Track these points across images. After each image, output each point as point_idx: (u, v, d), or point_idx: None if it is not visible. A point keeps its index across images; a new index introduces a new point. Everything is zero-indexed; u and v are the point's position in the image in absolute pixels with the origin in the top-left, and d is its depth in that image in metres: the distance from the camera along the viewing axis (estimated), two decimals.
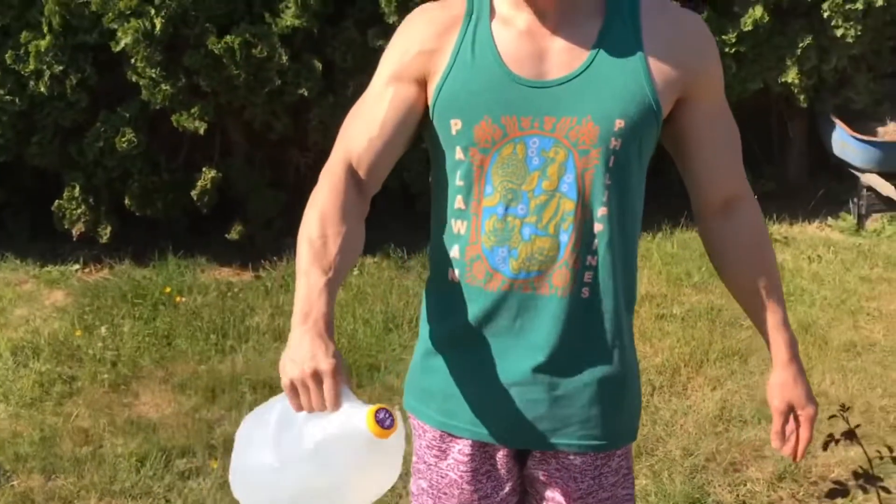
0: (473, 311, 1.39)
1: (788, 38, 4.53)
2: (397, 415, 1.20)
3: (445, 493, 1.48)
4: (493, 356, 1.40)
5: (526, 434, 1.42)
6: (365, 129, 1.38)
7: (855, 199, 4.97)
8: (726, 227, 1.46)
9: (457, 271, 1.40)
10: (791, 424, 1.47)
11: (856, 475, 2.00)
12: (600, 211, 1.33)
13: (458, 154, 1.36)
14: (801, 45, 4.49)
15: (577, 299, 1.36)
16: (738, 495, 2.72)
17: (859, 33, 4.46)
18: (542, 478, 1.47)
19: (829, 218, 5.03)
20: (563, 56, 1.33)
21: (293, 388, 1.21)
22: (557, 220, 1.33)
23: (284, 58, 4.04)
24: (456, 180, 1.38)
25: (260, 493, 1.27)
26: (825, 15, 4.46)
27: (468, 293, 1.39)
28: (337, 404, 1.19)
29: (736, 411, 3.16)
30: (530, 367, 1.39)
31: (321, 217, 1.33)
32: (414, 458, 1.53)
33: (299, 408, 1.21)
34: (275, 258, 4.42)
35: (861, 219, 4.96)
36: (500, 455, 1.46)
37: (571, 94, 1.31)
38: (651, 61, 1.33)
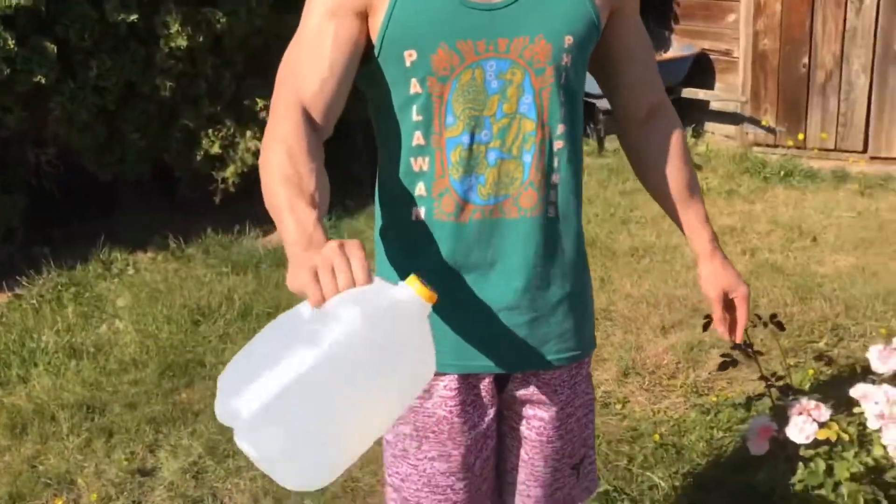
0: (446, 246, 1.36)
1: None
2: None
3: (434, 432, 1.44)
4: (470, 287, 1.38)
5: (510, 359, 1.43)
6: (314, 70, 1.30)
7: (592, 125, 5.42)
8: (651, 135, 1.51)
9: (422, 209, 1.36)
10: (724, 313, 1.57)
11: (734, 347, 2.18)
12: (559, 128, 1.34)
13: (414, 87, 1.31)
14: None
15: (545, 219, 1.37)
16: (596, 398, 2.88)
17: None
18: (522, 397, 1.48)
19: None
20: None
21: (314, 278, 1.05)
22: (520, 141, 1.33)
23: (11, 42, 3.55)
24: (412, 115, 1.33)
25: (292, 421, 1.01)
26: None
27: (438, 229, 1.36)
28: (369, 275, 1.05)
29: None
30: (508, 293, 1.39)
31: (289, 154, 1.22)
32: None
33: (321, 300, 1.04)
34: (31, 271, 3.91)
35: (601, 141, 5.42)
36: (484, 383, 1.44)
37: (522, 14, 1.30)
38: None
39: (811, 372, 2.90)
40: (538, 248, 1.37)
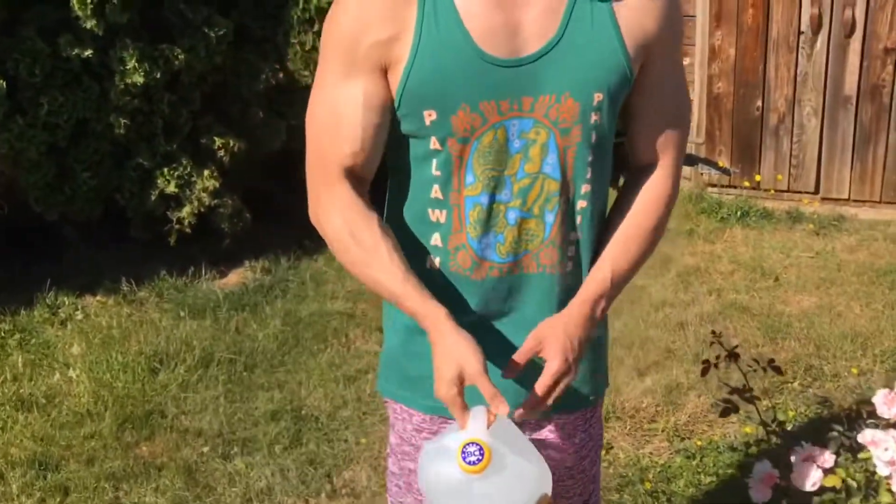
0: (461, 299, 1.33)
1: None
2: (487, 443, 1.17)
3: None
4: (484, 336, 1.33)
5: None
6: (348, 141, 1.27)
7: None
8: (628, 185, 1.41)
9: (437, 259, 1.33)
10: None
11: (733, 391, 2.15)
12: (584, 188, 1.29)
13: (434, 144, 1.26)
14: None
15: (563, 273, 1.34)
16: None
17: None
18: (535, 439, 1.43)
19: None
20: (536, 26, 1.22)
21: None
22: (542, 201, 1.28)
23: None
24: (432, 170, 1.28)
25: None
26: None
27: (454, 280, 1.33)
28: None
29: None
30: (516, 344, 1.34)
31: (357, 236, 1.28)
32: (395, 441, 1.46)
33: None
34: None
35: None
36: None
37: (548, 70, 1.22)
38: (622, 24, 1.24)
39: (791, 414, 2.89)
40: (555, 301, 1.34)
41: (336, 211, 1.28)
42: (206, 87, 4.12)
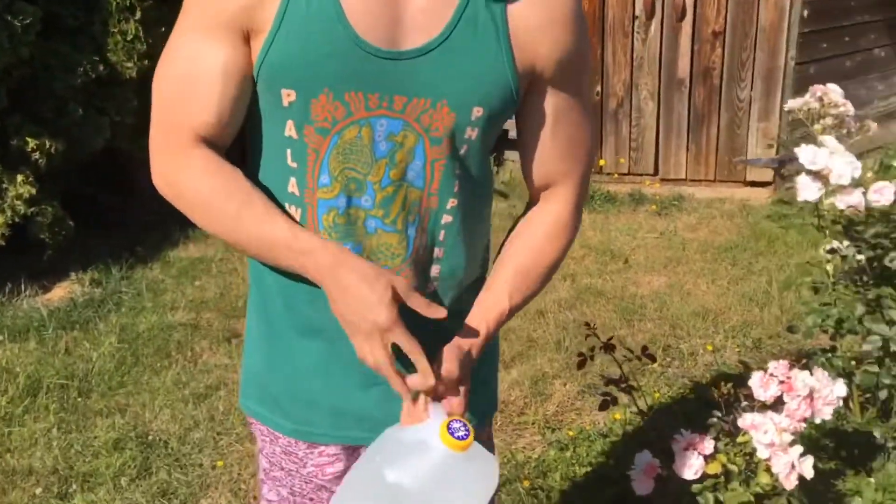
0: (320, 304, 1.17)
1: None
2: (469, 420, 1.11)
3: (312, 499, 1.32)
4: (347, 353, 1.20)
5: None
6: (204, 110, 1.12)
7: None
8: (529, 214, 1.29)
9: None
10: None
11: (609, 382, 2.10)
12: (450, 202, 1.17)
13: (290, 129, 1.12)
14: None
15: (424, 293, 1.20)
16: None
17: None
18: None
19: None
20: (421, 18, 1.08)
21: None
22: (405, 213, 1.15)
23: None
24: (287, 159, 1.14)
25: None
26: None
27: (315, 287, 1.17)
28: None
29: None
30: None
31: (224, 193, 1.12)
32: (265, 464, 1.33)
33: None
34: None
35: None
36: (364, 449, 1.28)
37: (427, 70, 1.09)
38: (516, 41, 1.10)
39: (657, 396, 2.91)
40: (414, 324, 1.17)
41: (195, 174, 1.12)
42: (11, 82, 3.70)
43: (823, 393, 1.91)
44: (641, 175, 5.07)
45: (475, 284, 1.28)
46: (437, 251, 1.19)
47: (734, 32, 4.70)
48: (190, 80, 1.11)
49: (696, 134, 4.93)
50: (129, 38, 3.98)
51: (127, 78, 4.03)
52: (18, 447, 2.76)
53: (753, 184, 4.93)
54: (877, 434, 2.36)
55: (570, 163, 1.24)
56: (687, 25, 4.74)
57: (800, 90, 4.85)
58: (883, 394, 2.27)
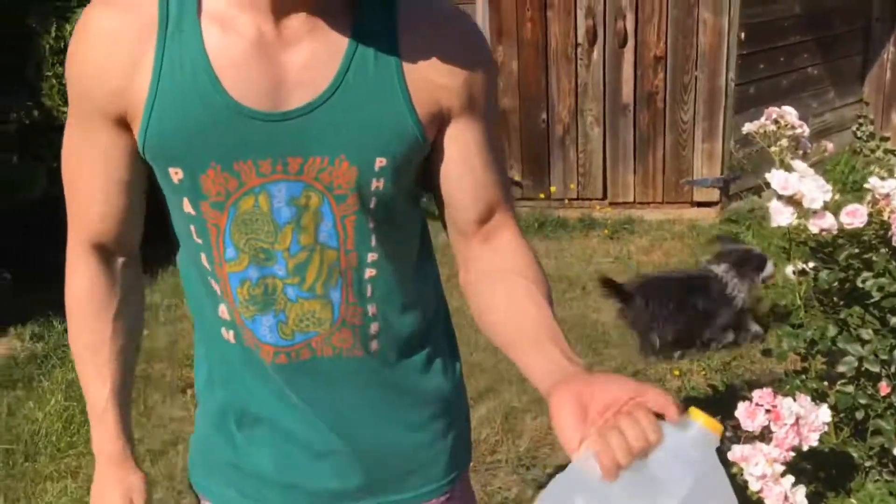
0: (257, 381, 1.14)
1: None
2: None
3: None
4: (293, 428, 1.16)
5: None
6: (90, 202, 1.11)
7: None
8: (486, 253, 1.15)
9: (231, 332, 1.13)
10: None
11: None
12: (370, 257, 1.09)
13: (187, 206, 1.05)
14: None
15: (367, 356, 1.14)
16: None
17: None
18: None
19: None
20: (305, 74, 1.00)
21: None
22: (324, 277, 1.08)
23: None
24: (193, 236, 1.08)
25: None
26: None
27: (250, 358, 1.13)
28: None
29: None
30: (335, 436, 1.17)
31: (77, 322, 1.17)
32: None
33: (614, 468, 0.84)
34: None
35: None
36: None
37: (318, 127, 1.01)
38: (412, 82, 1.03)
39: None
40: (362, 388, 1.14)
41: (73, 289, 1.17)
42: None
43: (809, 419, 1.89)
44: (591, 199, 5.08)
45: (431, 333, 1.19)
46: (369, 308, 1.11)
47: (675, 56, 4.76)
48: (75, 178, 1.10)
49: (643, 157, 4.97)
50: (64, 82, 3.85)
51: (63, 123, 3.88)
52: None
53: (700, 204, 4.99)
54: (854, 455, 2.36)
55: (502, 187, 1.16)
56: (629, 51, 4.79)
57: (741, 110, 4.95)
58: (859, 414, 2.27)
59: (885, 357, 2.14)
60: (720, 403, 2.85)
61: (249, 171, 1.01)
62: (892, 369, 2.16)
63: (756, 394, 1.91)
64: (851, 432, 2.47)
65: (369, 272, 1.09)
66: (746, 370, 3.28)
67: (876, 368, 2.16)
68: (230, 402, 1.18)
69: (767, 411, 1.87)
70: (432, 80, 1.03)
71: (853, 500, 2.33)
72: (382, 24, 1.02)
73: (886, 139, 5.98)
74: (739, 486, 1.90)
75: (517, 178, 5.12)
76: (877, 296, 2.09)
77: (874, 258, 2.10)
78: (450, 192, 1.11)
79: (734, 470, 1.86)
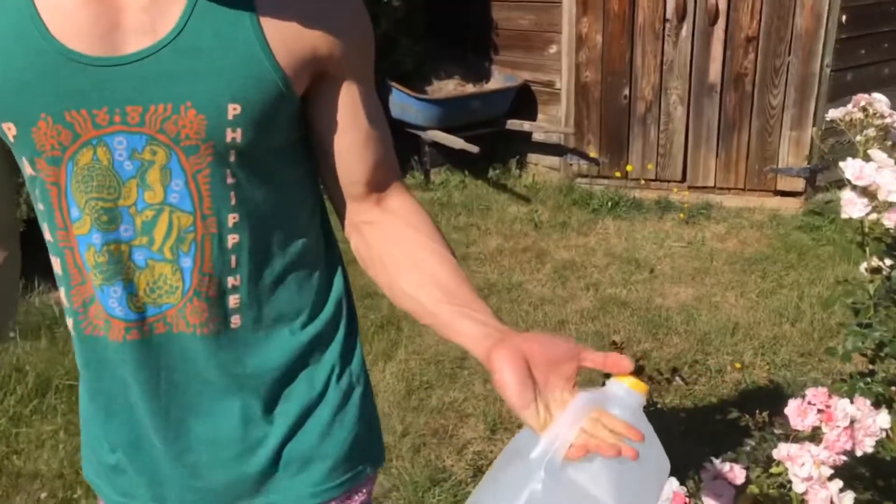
0: (105, 369, 1.06)
1: None
2: None
3: None
4: (150, 419, 1.07)
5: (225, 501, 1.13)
6: None
7: (417, 157, 5.21)
8: (386, 218, 1.10)
9: (70, 321, 1.06)
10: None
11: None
12: (231, 219, 1.00)
13: (27, 168, 0.99)
14: None
15: (227, 332, 1.04)
16: (468, 460, 2.62)
17: None
18: None
19: None
20: (144, 18, 0.93)
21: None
22: (173, 240, 0.99)
23: None
24: (37, 203, 1.01)
25: None
26: None
27: (93, 348, 1.05)
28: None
29: (418, 380, 3.05)
30: (192, 428, 1.08)
31: None
32: None
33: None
34: None
35: (427, 174, 5.22)
36: None
37: (160, 73, 0.93)
38: (268, 26, 0.95)
39: (683, 416, 2.79)
40: (224, 371, 1.05)
41: None
42: None
43: (865, 423, 1.79)
44: (669, 182, 4.94)
45: (318, 318, 1.10)
46: (230, 280, 1.02)
47: (768, 38, 4.56)
48: None
49: (727, 141, 4.79)
50: None
51: None
52: (25, 449, 2.70)
53: (784, 193, 4.79)
54: None
55: (389, 147, 1.10)
56: (719, 30, 4.61)
57: (835, 98, 4.71)
58: None
59: None
60: (781, 400, 2.74)
61: (84, 122, 0.94)
62: None
63: (810, 392, 1.82)
64: None
65: (232, 238, 1.01)
66: (813, 368, 3.15)
67: None
68: (86, 392, 1.11)
69: (820, 411, 1.77)
70: (296, 27, 0.96)
71: None
72: None
73: None
74: (782, 487, 1.82)
75: (593, 154, 5.01)
76: None
77: None
78: (337, 150, 1.05)
79: (778, 469, 1.78)
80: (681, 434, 2.56)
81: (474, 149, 4.69)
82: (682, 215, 4.69)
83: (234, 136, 0.95)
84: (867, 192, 1.93)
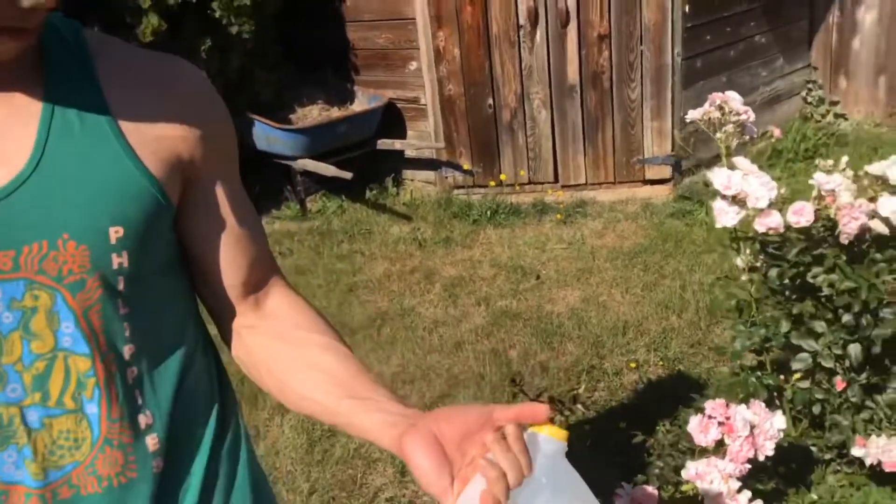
0: None
1: (188, 42, 4.33)
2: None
3: None
4: None
5: None
6: None
7: (290, 187, 5.08)
8: (267, 321, 1.04)
9: None
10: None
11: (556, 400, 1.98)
12: (127, 351, 0.92)
13: None
14: (203, 47, 4.32)
15: (149, 478, 0.95)
16: None
17: (252, 28, 4.47)
18: None
19: (275, 211, 5.08)
20: None
21: None
22: (73, 388, 0.90)
23: None
24: None
25: None
26: (217, 14, 4.36)
27: None
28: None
29: (319, 429, 2.95)
30: None
31: None
32: None
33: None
34: None
35: (302, 203, 5.10)
36: None
37: (27, 209, 0.84)
38: (131, 136, 0.89)
39: (587, 429, 2.81)
40: None
41: None
42: None
43: (764, 427, 1.84)
44: (542, 184, 5.00)
45: (225, 429, 1.04)
46: (141, 419, 0.94)
47: (619, 34, 4.67)
48: None
49: (592, 138, 4.89)
50: None
51: None
52: None
53: (653, 182, 4.93)
54: (814, 448, 2.32)
55: (263, 243, 1.05)
56: (572, 31, 4.69)
57: (688, 84, 4.88)
58: (816, 409, 2.23)
59: (839, 352, 2.09)
60: (679, 398, 2.80)
61: None
62: (847, 364, 2.11)
63: (708, 405, 1.85)
64: (809, 425, 2.42)
65: (131, 372, 0.93)
66: (704, 358, 3.24)
67: (830, 364, 2.11)
68: None
69: (720, 423, 1.80)
70: (156, 130, 0.90)
71: (814, 495, 2.29)
72: (80, 80, 0.87)
73: (836, 103, 5.97)
74: (695, 502, 1.84)
75: (467, 166, 5.01)
76: (828, 291, 2.04)
77: (824, 253, 2.04)
78: (210, 257, 0.99)
79: (688, 487, 1.80)
80: (588, 450, 2.57)
81: (347, 175, 4.60)
82: (559, 216, 4.75)
83: (119, 260, 0.88)
84: (737, 200, 1.98)
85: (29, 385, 0.87)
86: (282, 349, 1.00)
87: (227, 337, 1.05)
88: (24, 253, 0.84)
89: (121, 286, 0.89)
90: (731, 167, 2.02)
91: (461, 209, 4.89)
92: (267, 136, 4.78)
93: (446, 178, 5.08)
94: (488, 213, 4.82)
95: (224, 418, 1.04)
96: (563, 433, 0.88)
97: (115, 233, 0.87)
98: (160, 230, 0.92)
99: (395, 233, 4.76)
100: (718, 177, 1.95)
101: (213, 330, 1.08)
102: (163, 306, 0.96)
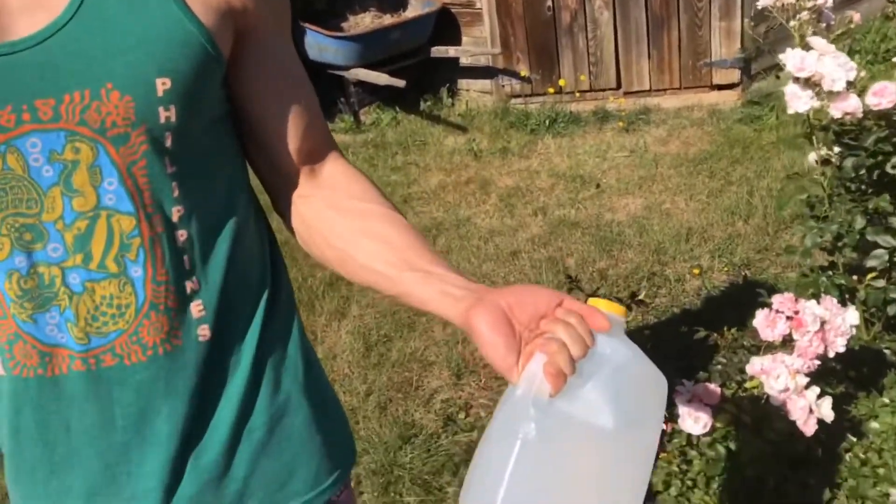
0: (41, 413, 0.90)
1: None
2: None
3: None
4: (102, 473, 0.93)
5: None
6: None
7: (343, 99, 5.01)
8: (323, 191, 0.99)
9: None
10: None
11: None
12: (175, 213, 0.87)
13: None
14: None
15: (195, 346, 0.91)
16: (437, 410, 2.54)
17: None
18: None
19: (329, 124, 5.03)
20: None
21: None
22: (115, 250, 0.85)
23: None
24: None
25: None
26: None
27: (23, 390, 0.89)
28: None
29: (376, 334, 2.94)
30: (159, 472, 0.93)
31: None
32: None
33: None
34: None
35: (356, 115, 5.03)
36: None
37: (68, 55, 0.79)
38: None
39: (647, 334, 2.73)
40: (192, 393, 0.91)
41: None
42: None
43: (835, 323, 1.73)
44: (604, 90, 4.82)
45: (276, 305, 0.98)
46: (188, 285, 0.89)
47: None
48: None
49: (657, 40, 4.67)
50: None
51: None
52: None
53: (721, 87, 4.71)
54: (887, 351, 2.21)
55: (318, 109, 0.99)
56: None
57: None
58: (891, 309, 2.10)
59: None
60: (744, 304, 2.70)
61: None
62: None
63: (776, 299, 1.75)
64: (883, 328, 2.31)
65: (181, 235, 0.88)
66: (772, 263, 3.11)
67: None
68: (24, 450, 0.95)
69: (789, 318, 1.71)
70: None
71: (885, 399, 2.19)
72: None
73: None
74: (758, 400, 1.76)
75: (524, 73, 4.85)
76: None
77: None
78: (263, 117, 0.93)
79: (752, 384, 1.72)
80: (648, 353, 2.50)
81: (400, 83, 4.50)
82: (621, 123, 4.59)
83: (167, 115, 0.83)
84: (810, 83, 1.84)
85: (71, 245, 0.84)
86: (339, 219, 0.95)
87: (281, 208, 1.00)
88: (66, 101, 0.79)
89: (168, 143, 0.84)
90: (806, 48, 1.87)
91: (518, 119, 4.75)
92: (319, 45, 4.68)
93: (503, 86, 4.93)
94: (547, 121, 4.68)
95: (276, 294, 0.99)
96: (622, 308, 0.86)
97: (163, 84, 0.81)
98: (211, 85, 0.87)
99: (449, 144, 4.66)
100: (791, 58, 1.80)
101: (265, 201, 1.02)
102: (213, 169, 0.91)
